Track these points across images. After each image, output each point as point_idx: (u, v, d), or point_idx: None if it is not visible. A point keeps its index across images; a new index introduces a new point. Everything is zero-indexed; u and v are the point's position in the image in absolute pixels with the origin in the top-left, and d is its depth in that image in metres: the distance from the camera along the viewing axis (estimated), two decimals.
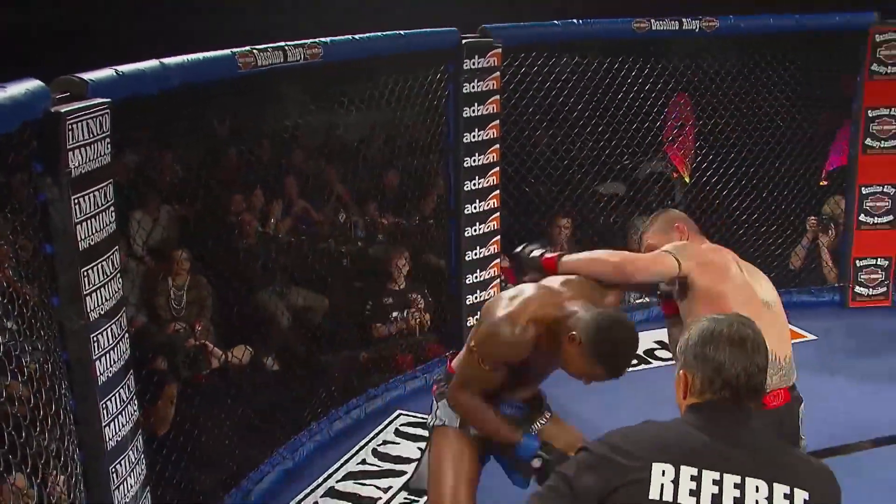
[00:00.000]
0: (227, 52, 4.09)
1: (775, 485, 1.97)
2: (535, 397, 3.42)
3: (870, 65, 6.64)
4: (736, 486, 1.96)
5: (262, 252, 5.88)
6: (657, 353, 6.25)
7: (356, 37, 4.98)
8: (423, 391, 5.69)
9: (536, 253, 3.37)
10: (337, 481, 4.73)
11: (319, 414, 5.19)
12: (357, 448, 5.06)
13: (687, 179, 7.75)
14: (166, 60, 3.57)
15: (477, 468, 3.29)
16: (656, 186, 7.56)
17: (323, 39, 4.70)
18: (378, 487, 4.67)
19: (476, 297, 5.98)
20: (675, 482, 1.97)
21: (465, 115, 5.69)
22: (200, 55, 3.86)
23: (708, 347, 2.09)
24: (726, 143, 7.17)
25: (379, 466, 4.88)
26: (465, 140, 5.71)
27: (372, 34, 5.10)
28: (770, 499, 1.95)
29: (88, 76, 3.04)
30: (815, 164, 7.40)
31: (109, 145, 3.05)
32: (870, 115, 6.75)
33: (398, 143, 6.16)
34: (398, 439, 5.17)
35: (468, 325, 5.96)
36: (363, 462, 4.93)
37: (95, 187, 2.97)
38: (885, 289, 7.06)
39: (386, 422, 5.35)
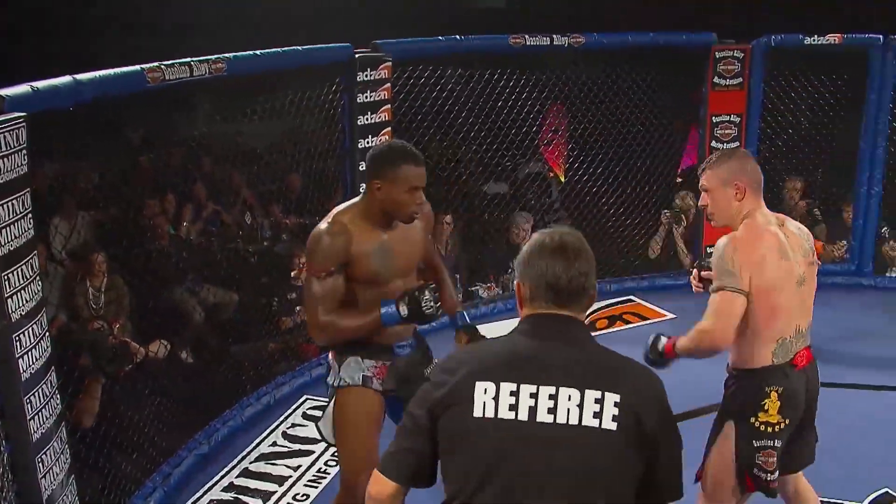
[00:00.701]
0: (136, 67, 4.00)
1: (587, 391, 1.96)
2: (420, 341, 3.40)
3: (712, 77, 6.92)
4: (550, 396, 1.96)
5: (174, 253, 5.77)
6: None
7: (258, 52, 4.92)
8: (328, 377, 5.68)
9: (660, 344, 3.30)
10: (250, 462, 4.69)
11: (232, 401, 5.12)
12: (268, 431, 5.02)
13: (562, 178, 7.92)
14: (79, 76, 3.47)
15: (380, 419, 3.27)
16: (535, 185, 7.69)
17: (226, 55, 4.63)
18: (288, 467, 4.64)
19: None
20: (496, 399, 1.97)
21: (359, 123, 5.68)
22: (111, 71, 3.77)
23: (534, 256, 2.09)
24: (595, 146, 7.32)
25: (289, 447, 4.85)
26: (360, 146, 5.70)
27: (272, 50, 5.05)
28: (581, 405, 1.95)
29: (5, 92, 2.95)
30: (671, 163, 7.65)
31: (26, 156, 2.97)
32: (714, 120, 7.02)
33: (300, 149, 6.11)
34: (305, 422, 5.12)
35: None
36: (274, 444, 4.89)
37: (14, 196, 2.89)
38: None
39: (294, 406, 5.31)
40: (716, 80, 6.89)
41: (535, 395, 1.96)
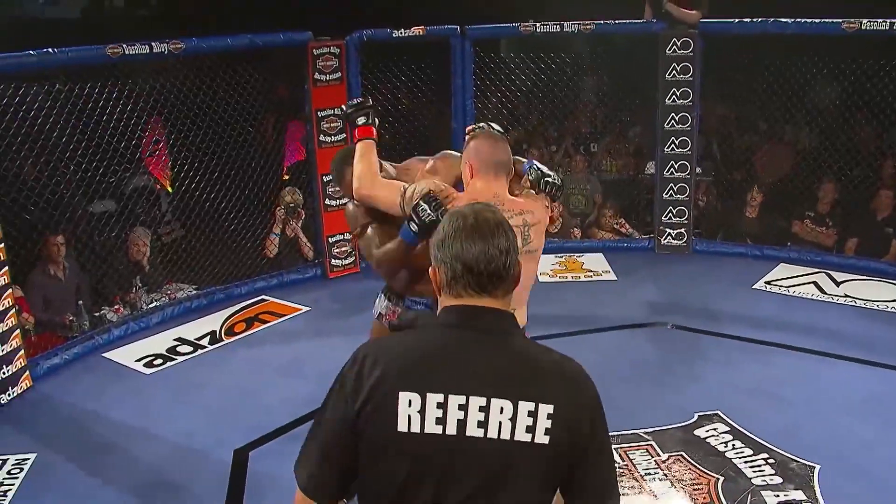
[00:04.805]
0: None
1: (520, 403, 1.83)
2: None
3: (313, 74, 7.21)
4: (481, 408, 1.83)
5: None
6: (178, 349, 6.29)
7: None
8: None
9: (360, 121, 3.65)
10: None
11: None
12: None
13: (170, 189, 7.76)
14: None
15: None
16: (143, 199, 7.45)
17: None
18: None
19: None
20: (422, 412, 1.83)
21: None
22: None
23: (449, 237, 1.95)
24: (201, 153, 7.25)
25: None
26: None
27: None
28: (514, 418, 1.83)
29: None
30: (278, 161, 7.84)
31: None
32: (319, 115, 7.33)
33: None
34: None
35: None
36: None
37: None
38: (352, 259, 7.75)
39: None
40: (316, 76, 7.20)
41: (464, 407, 1.83)
